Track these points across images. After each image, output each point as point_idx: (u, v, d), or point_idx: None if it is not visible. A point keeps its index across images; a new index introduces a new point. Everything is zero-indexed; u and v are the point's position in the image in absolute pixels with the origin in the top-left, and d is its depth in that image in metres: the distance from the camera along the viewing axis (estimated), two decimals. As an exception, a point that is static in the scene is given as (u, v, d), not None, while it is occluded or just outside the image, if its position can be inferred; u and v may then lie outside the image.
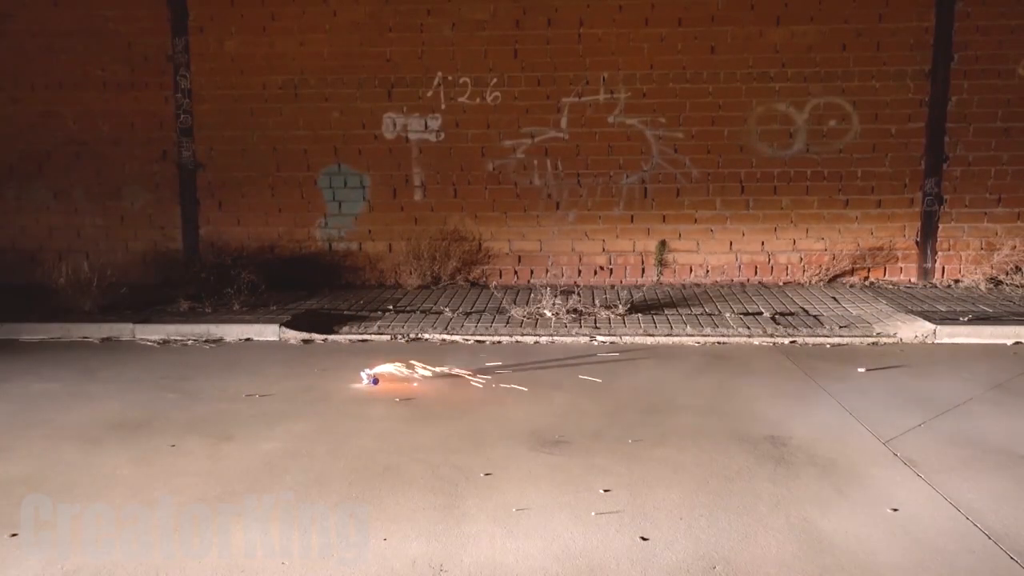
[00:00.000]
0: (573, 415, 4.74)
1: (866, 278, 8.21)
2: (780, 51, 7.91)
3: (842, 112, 7.96)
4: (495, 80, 8.14)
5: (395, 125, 8.27)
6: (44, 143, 8.33)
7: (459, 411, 4.86)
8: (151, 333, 6.74)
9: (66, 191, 8.37)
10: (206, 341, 6.63)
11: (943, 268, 8.13)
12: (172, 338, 6.68)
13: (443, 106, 8.21)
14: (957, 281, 8.06)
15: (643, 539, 3.19)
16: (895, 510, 3.42)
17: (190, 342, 6.62)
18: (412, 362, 5.58)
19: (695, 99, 8.06)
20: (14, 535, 3.26)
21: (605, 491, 3.64)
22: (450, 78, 8.16)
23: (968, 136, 7.88)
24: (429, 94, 8.19)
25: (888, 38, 7.83)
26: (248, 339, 6.69)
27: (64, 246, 7.76)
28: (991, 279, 7.89)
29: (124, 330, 6.77)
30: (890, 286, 8.05)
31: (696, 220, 8.26)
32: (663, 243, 8.31)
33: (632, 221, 8.30)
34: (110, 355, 6.29)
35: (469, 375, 5.49)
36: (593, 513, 3.42)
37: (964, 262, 8.08)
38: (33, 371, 5.76)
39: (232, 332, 6.75)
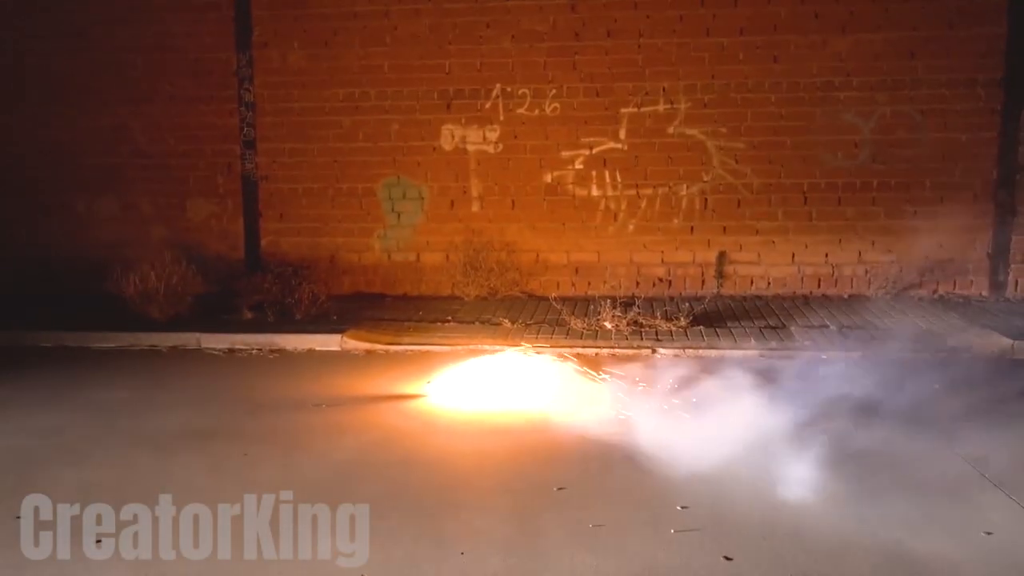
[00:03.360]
0: (638, 430, 4.66)
1: (935, 291, 7.98)
2: (845, 60, 7.75)
3: (910, 121, 7.76)
4: (554, 91, 8.12)
5: (453, 136, 8.30)
6: (113, 156, 8.54)
7: (524, 422, 4.83)
8: (216, 342, 6.85)
9: (134, 203, 8.56)
10: (270, 351, 6.71)
11: (1016, 281, 7.86)
12: (237, 347, 6.78)
13: (501, 117, 8.22)
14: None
15: (727, 559, 3.11)
16: (989, 533, 3.29)
17: (254, 351, 6.70)
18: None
19: (757, 109, 7.94)
20: (99, 541, 3.31)
21: (683, 508, 3.58)
22: (509, 89, 8.17)
23: (1045, 144, 7.64)
24: (487, 105, 8.20)
25: (958, 46, 7.63)
26: (311, 349, 6.75)
27: (131, 256, 7.86)
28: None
29: (190, 339, 6.89)
30: (960, 300, 7.82)
31: (757, 231, 8.12)
32: (723, 254, 8.19)
33: (692, 232, 8.19)
34: (178, 364, 6.41)
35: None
36: (672, 530, 3.36)
37: (1039, 275, 7.82)
38: (107, 379, 5.89)
39: (295, 342, 6.83)
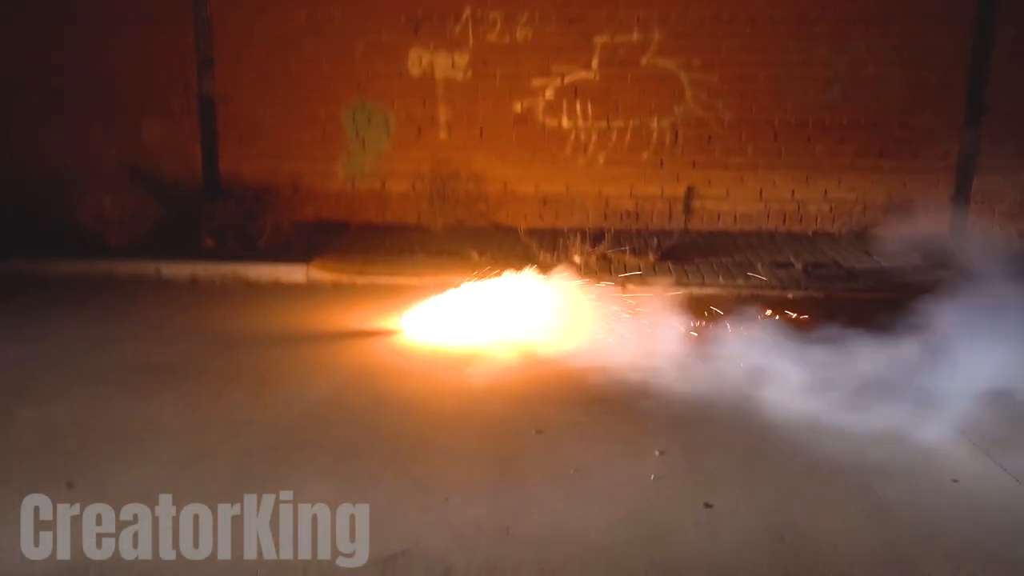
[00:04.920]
0: (613, 367, 4.69)
1: (897, 230, 8.07)
2: (822, -8, 7.64)
3: (882, 58, 7.70)
4: (525, 17, 7.86)
5: (421, 62, 8.02)
6: (64, 77, 8.06)
7: (499, 359, 4.84)
8: (177, 272, 6.67)
9: (85, 125, 8.12)
10: (233, 281, 6.57)
11: (975, 222, 8.01)
12: (199, 276, 6.62)
13: (471, 43, 7.95)
14: (990, 235, 7.95)
15: (707, 506, 3.17)
16: (955, 481, 3.41)
17: (217, 281, 6.56)
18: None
19: (731, 41, 7.79)
20: (71, 485, 3.25)
21: (660, 453, 3.62)
22: (479, 14, 7.88)
23: (1010, 86, 7.64)
24: (457, 30, 7.92)
25: (934, -18, 7.56)
26: (275, 280, 6.62)
27: (84, 181, 7.55)
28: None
29: (149, 268, 6.70)
30: (921, 239, 7.93)
31: (726, 167, 8.08)
32: (691, 189, 8.16)
33: (661, 166, 8.12)
34: (138, 294, 6.24)
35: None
36: (652, 476, 3.40)
37: (998, 215, 7.95)
38: (64, 310, 5.71)
39: (260, 273, 6.68)
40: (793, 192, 8.11)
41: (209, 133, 8.20)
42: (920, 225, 8.05)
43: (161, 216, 7.52)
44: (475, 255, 7.16)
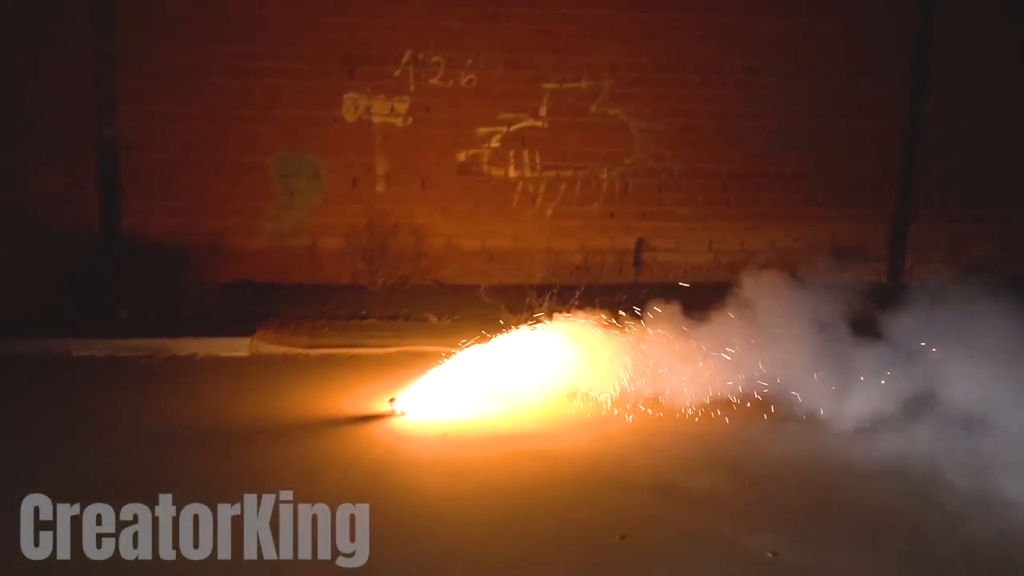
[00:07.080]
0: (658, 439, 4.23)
1: (840, 278, 8.12)
2: (769, 44, 7.63)
3: (825, 110, 7.80)
4: (470, 61, 7.40)
5: (357, 107, 7.37)
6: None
7: (533, 439, 4.28)
8: (94, 349, 5.65)
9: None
10: (164, 358, 5.62)
11: (912, 269, 8.19)
12: (120, 355, 5.62)
13: (412, 88, 7.39)
14: (926, 282, 8.12)
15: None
16: None
17: (142, 360, 5.58)
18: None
19: (680, 91, 7.66)
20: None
21: (773, 555, 3.17)
22: (421, 57, 7.35)
23: (944, 137, 7.91)
24: (397, 73, 7.35)
25: (872, 35, 7.73)
26: (213, 355, 5.72)
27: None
28: (960, 280, 8.00)
29: (58, 346, 5.63)
30: (866, 286, 7.99)
31: (676, 217, 7.90)
32: (642, 241, 7.91)
33: (611, 217, 7.83)
34: (53, 379, 5.16)
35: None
36: (785, 591, 2.94)
37: (934, 262, 8.15)
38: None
39: (193, 347, 5.77)
40: (742, 242, 8.02)
41: (110, 185, 7.16)
42: (861, 271, 8.15)
43: (57, 279, 6.46)
44: (433, 318, 6.56)
